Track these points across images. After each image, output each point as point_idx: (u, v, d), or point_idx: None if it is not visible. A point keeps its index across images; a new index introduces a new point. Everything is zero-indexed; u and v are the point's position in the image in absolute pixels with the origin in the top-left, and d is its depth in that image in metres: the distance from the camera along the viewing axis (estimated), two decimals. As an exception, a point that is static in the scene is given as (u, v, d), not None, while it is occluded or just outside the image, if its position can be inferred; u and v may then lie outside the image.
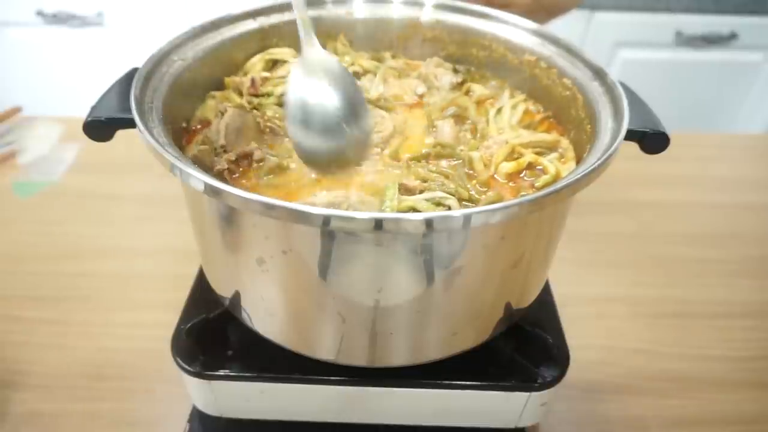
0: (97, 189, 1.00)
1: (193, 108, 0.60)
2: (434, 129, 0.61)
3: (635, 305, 0.83)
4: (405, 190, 0.51)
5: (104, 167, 1.04)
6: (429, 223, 0.37)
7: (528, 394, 0.57)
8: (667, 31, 1.78)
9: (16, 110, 1.16)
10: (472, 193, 0.52)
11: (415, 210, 0.49)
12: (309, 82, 0.50)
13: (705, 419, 0.70)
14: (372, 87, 0.66)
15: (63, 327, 0.77)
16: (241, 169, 0.54)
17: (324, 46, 0.59)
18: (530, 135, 0.59)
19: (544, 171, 0.55)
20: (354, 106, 0.50)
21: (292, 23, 0.66)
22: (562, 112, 0.61)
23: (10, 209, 0.96)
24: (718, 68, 1.86)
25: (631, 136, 0.48)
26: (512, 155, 0.56)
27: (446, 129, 0.60)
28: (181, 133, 0.57)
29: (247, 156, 0.55)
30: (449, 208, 0.49)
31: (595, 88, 0.55)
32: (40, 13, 1.78)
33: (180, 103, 0.55)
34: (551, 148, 0.58)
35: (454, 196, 0.51)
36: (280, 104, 0.61)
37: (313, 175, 0.54)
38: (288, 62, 0.66)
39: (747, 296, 0.85)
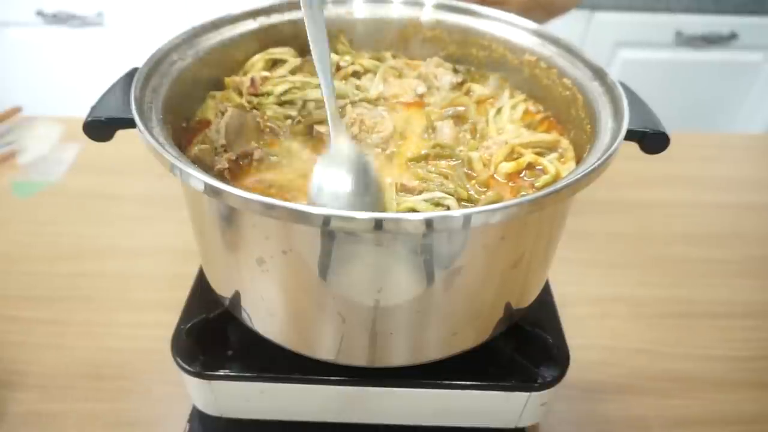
0: (97, 189, 1.00)
1: (193, 108, 0.60)
2: (434, 130, 0.61)
3: (636, 305, 0.83)
4: (404, 190, 0.51)
5: (104, 167, 1.04)
6: (429, 223, 0.37)
7: (528, 394, 0.57)
8: (667, 31, 1.78)
9: (16, 110, 1.16)
10: (472, 193, 0.52)
11: (414, 210, 0.49)
12: (330, 172, 0.49)
13: (707, 419, 0.70)
14: (372, 86, 0.66)
15: (62, 327, 0.76)
16: (241, 168, 0.54)
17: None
18: (530, 135, 0.59)
19: (543, 171, 0.55)
20: (367, 186, 0.50)
21: (292, 23, 0.67)
22: (562, 112, 0.61)
23: (9, 209, 0.96)
24: (718, 68, 1.86)
25: (631, 136, 0.48)
26: (512, 155, 0.56)
27: (446, 130, 0.60)
28: (181, 133, 0.57)
29: (248, 155, 0.55)
30: (448, 209, 0.49)
31: (595, 88, 0.55)
32: (40, 13, 1.78)
33: (180, 103, 0.55)
34: (551, 148, 0.57)
35: (453, 196, 0.51)
36: (280, 104, 0.62)
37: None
38: (288, 61, 0.66)
39: (748, 296, 0.85)
